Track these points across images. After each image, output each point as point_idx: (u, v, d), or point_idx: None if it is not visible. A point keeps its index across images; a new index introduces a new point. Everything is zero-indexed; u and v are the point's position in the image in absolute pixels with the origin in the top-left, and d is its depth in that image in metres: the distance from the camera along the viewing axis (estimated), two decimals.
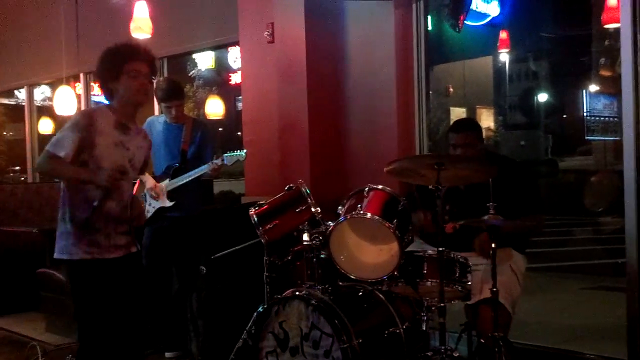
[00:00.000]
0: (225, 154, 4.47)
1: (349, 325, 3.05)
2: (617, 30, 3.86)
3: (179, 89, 4.75)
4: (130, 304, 3.27)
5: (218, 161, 4.43)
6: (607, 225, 10.04)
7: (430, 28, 5.07)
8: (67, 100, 7.01)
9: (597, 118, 18.29)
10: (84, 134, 3.09)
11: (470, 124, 3.90)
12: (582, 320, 5.49)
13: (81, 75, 8.04)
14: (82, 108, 7.96)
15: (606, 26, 6.20)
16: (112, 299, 3.15)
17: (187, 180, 4.52)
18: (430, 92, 5.15)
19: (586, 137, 19.00)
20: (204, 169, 4.48)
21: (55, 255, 3.17)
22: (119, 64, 3.16)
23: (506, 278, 3.37)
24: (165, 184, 4.57)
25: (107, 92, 3.24)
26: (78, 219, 3.10)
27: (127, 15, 5.70)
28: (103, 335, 3.16)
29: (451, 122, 7.26)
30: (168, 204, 4.56)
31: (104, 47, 3.20)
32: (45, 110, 9.99)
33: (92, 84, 8.31)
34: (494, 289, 3.08)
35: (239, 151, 4.48)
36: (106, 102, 3.28)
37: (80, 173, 3.11)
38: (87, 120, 3.15)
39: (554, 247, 8.82)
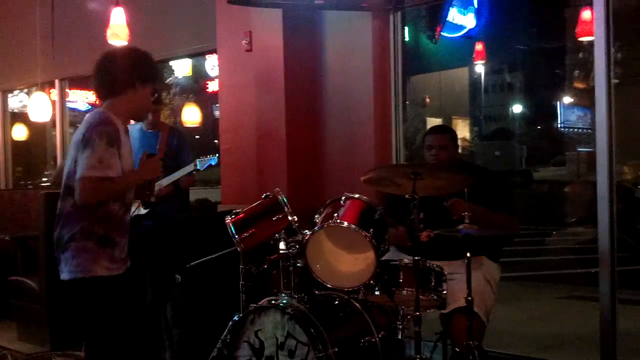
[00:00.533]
0: (198, 159, 4.48)
1: (325, 334, 3.05)
2: (591, 43, 3.93)
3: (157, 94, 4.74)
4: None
5: (191, 166, 4.45)
6: (581, 235, 10.15)
7: (407, 39, 5.11)
8: (41, 107, 6.94)
9: (571, 130, 18.52)
10: (116, 146, 2.83)
11: (446, 128, 4.16)
12: (555, 329, 5.55)
13: (56, 82, 7.93)
14: (57, 114, 7.89)
15: (580, 39, 6.28)
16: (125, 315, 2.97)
17: (167, 183, 4.50)
18: (407, 102, 5.18)
19: (561, 149, 19.23)
20: (185, 171, 4.49)
21: (68, 276, 2.85)
22: (154, 77, 3.13)
23: (480, 287, 3.39)
24: None
25: (115, 87, 2.97)
26: (98, 234, 2.85)
27: (104, 22, 5.66)
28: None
29: None
30: (142, 211, 4.53)
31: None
32: (19, 117, 9.85)
33: (67, 90, 8.21)
34: (469, 298, 3.10)
35: (210, 156, 4.50)
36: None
37: (134, 178, 2.99)
38: (114, 130, 2.85)
39: (528, 257, 8.90)
